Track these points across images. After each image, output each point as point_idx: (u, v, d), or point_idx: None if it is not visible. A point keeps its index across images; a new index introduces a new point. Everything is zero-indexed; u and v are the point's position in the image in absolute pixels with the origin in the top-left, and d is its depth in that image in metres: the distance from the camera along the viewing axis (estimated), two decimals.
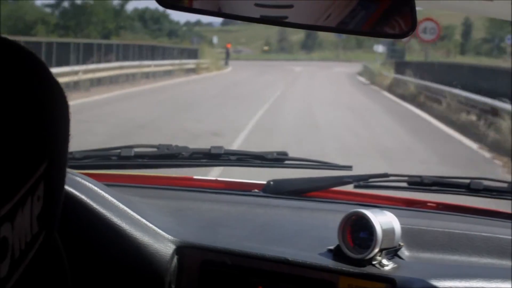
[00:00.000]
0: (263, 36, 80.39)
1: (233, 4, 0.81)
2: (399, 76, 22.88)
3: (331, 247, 1.21)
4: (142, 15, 55.42)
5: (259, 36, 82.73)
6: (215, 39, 51.91)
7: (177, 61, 28.19)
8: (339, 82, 28.18)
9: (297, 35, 78.60)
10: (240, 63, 45.67)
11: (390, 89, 22.54)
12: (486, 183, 1.64)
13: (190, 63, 30.73)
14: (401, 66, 24.83)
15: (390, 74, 25.48)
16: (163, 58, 27.09)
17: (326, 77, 32.17)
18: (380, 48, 41.71)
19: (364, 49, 64.66)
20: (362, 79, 32.04)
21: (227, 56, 41.91)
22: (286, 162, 1.77)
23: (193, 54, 33.73)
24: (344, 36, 46.70)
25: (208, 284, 1.22)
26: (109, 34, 36.20)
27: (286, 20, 0.81)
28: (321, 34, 71.50)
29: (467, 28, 67.28)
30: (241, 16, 0.81)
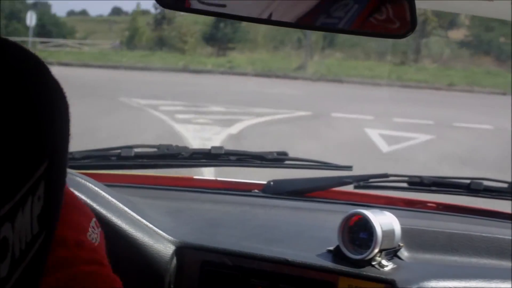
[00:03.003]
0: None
1: (234, 4, 0.81)
2: None
3: (331, 248, 1.21)
4: None
5: None
6: (32, 19, 23.09)
7: None
8: None
9: (196, 17, 24.57)
10: None
11: None
12: (486, 183, 1.63)
13: None
14: None
15: None
16: None
17: None
18: None
19: (344, 49, 25.88)
20: None
21: None
22: (286, 162, 1.77)
23: None
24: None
25: (208, 285, 1.22)
26: None
27: (290, 21, 0.81)
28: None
29: None
30: (242, 17, 0.81)
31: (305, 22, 0.81)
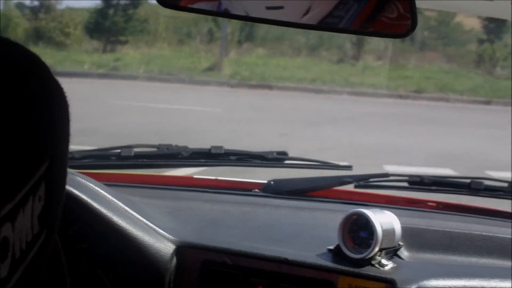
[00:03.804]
0: None
1: (234, 4, 0.81)
2: None
3: (331, 247, 1.21)
4: None
5: None
6: None
7: None
8: None
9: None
10: None
11: None
12: (486, 182, 1.63)
13: None
14: None
15: None
16: None
17: None
18: None
19: (266, 43, 17.16)
20: None
21: None
22: (286, 162, 1.77)
23: None
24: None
25: (208, 284, 1.22)
26: None
27: (293, 21, 0.80)
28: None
29: None
30: (244, 16, 0.81)
31: (306, 22, 0.81)
